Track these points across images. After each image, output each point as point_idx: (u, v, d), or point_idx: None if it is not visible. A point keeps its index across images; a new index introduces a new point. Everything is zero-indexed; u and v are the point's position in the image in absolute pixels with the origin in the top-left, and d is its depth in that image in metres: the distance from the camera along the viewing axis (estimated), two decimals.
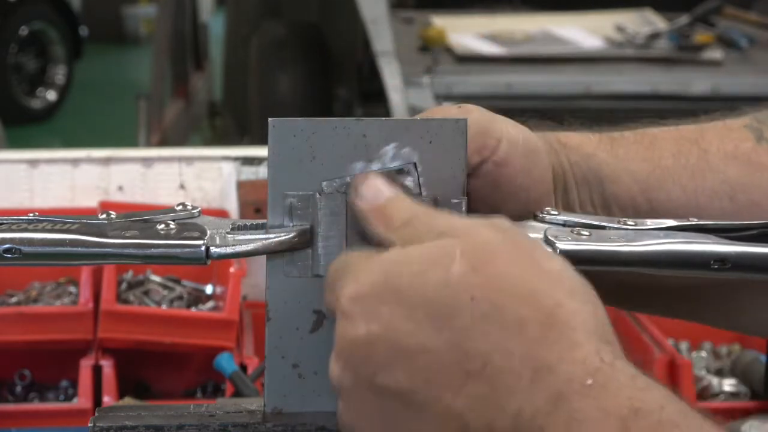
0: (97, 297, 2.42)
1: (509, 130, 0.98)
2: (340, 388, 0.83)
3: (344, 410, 0.83)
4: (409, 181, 0.91)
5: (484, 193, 0.97)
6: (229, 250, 0.90)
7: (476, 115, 0.97)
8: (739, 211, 1.03)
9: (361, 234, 0.90)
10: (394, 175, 0.91)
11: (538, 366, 0.76)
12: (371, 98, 5.00)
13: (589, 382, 0.75)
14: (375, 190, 0.87)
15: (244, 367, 2.32)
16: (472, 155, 0.95)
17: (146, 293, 2.56)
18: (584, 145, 1.04)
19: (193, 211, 0.94)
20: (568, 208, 1.03)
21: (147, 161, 2.71)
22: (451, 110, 0.98)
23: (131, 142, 6.16)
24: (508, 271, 0.78)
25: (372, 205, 0.87)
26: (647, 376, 0.78)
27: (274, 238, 0.90)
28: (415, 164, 0.91)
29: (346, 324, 0.81)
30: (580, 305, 0.79)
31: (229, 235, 0.91)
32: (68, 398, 2.46)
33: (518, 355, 0.76)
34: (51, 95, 9.44)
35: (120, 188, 2.70)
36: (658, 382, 0.78)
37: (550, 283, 0.79)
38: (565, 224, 0.95)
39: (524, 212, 0.99)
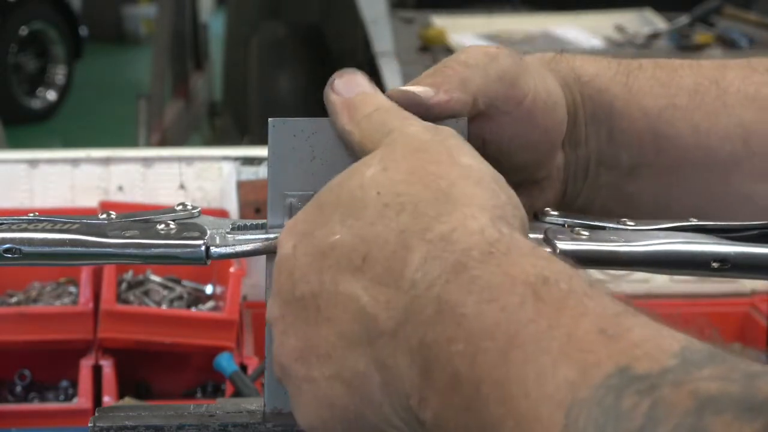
0: (97, 297, 2.42)
1: (536, 84, 0.97)
2: (272, 324, 0.82)
3: (276, 347, 0.82)
4: None
5: (495, 138, 0.96)
6: (229, 250, 0.90)
7: (506, 63, 0.95)
8: (751, 155, 1.02)
9: None
10: None
11: (432, 238, 0.76)
12: None
13: (491, 251, 0.74)
14: (351, 84, 0.88)
15: (244, 367, 2.32)
16: (496, 101, 0.94)
17: (146, 293, 2.56)
18: (599, 76, 1.02)
19: (193, 211, 0.94)
20: (573, 144, 1.02)
21: (147, 161, 2.71)
22: (480, 49, 0.97)
23: (131, 142, 6.16)
24: (419, 166, 0.79)
25: (343, 98, 0.87)
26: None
27: (274, 238, 0.90)
28: None
29: (279, 250, 0.82)
30: (478, 188, 0.78)
31: (229, 235, 0.91)
32: (68, 398, 2.46)
33: (412, 232, 0.76)
34: (51, 95, 9.43)
35: (120, 188, 2.70)
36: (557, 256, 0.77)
37: (457, 172, 0.79)
38: (564, 224, 0.95)
39: (532, 160, 0.99)
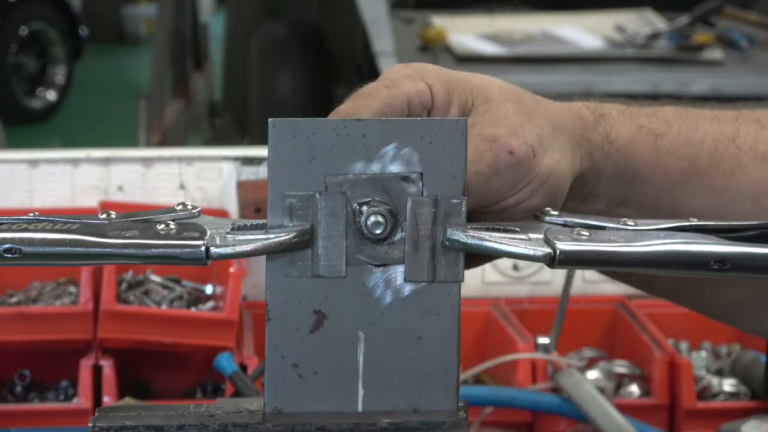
0: (97, 297, 2.42)
1: (550, 166, 1.00)
2: None
3: None
4: (412, 189, 0.92)
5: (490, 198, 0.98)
6: (229, 250, 0.90)
7: (522, 152, 0.98)
8: (758, 212, 1.04)
9: (360, 233, 0.90)
10: (397, 181, 0.91)
11: None
12: None
13: None
14: None
15: (244, 367, 2.31)
16: (505, 185, 0.97)
17: (146, 293, 2.55)
18: (631, 141, 1.05)
19: (193, 211, 0.94)
20: (578, 202, 1.04)
21: (147, 161, 2.71)
22: (490, 156, 1.00)
23: (131, 142, 6.16)
24: None
25: None
26: None
27: (274, 238, 0.90)
28: (421, 173, 0.91)
29: None
30: None
31: (229, 235, 0.91)
32: (68, 398, 2.46)
33: None
34: (51, 95, 9.43)
35: (120, 188, 2.69)
36: None
37: None
38: (565, 224, 0.95)
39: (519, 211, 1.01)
